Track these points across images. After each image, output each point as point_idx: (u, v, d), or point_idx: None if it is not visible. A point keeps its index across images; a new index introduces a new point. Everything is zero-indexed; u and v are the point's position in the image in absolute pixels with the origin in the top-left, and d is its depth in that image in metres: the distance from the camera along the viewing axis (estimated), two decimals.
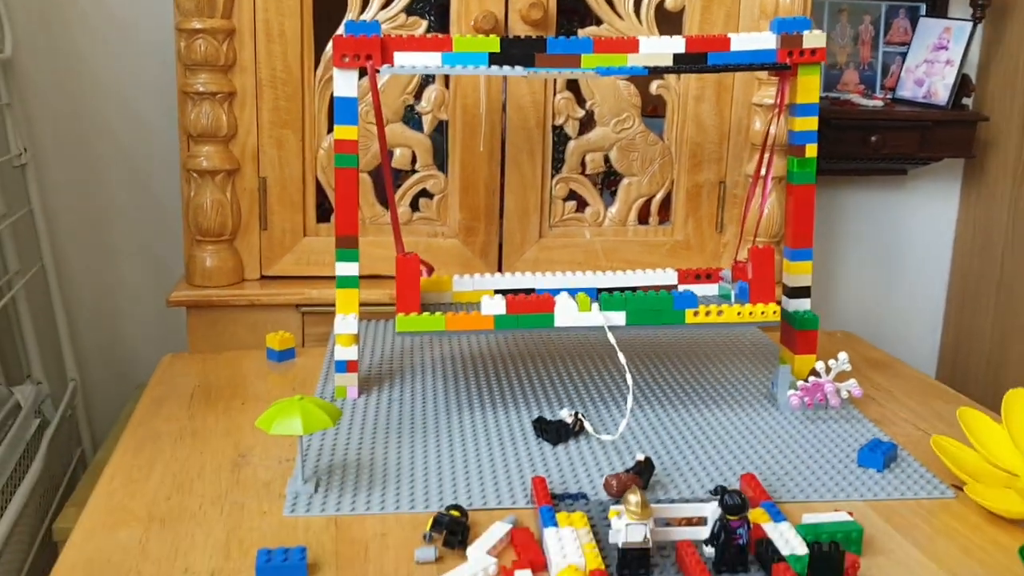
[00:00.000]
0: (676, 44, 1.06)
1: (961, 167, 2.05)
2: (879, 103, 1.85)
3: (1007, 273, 1.92)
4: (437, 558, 0.78)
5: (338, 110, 1.06)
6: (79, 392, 1.77)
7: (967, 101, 1.91)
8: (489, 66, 1.05)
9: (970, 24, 1.82)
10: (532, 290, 1.17)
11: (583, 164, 1.49)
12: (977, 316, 2.01)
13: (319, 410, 0.86)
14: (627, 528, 0.75)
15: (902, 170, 2.00)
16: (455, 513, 0.81)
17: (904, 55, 1.91)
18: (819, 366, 1.07)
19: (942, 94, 1.83)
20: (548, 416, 1.05)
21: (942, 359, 2.14)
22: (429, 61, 1.06)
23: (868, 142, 1.79)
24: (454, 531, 0.79)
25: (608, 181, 1.59)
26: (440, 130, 1.47)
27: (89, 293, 1.83)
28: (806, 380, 1.08)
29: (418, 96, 1.45)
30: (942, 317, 2.12)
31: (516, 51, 1.05)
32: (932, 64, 1.86)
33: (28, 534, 1.43)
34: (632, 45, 1.06)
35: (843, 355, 1.06)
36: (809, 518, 0.80)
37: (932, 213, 2.06)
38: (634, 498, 0.76)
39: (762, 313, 1.06)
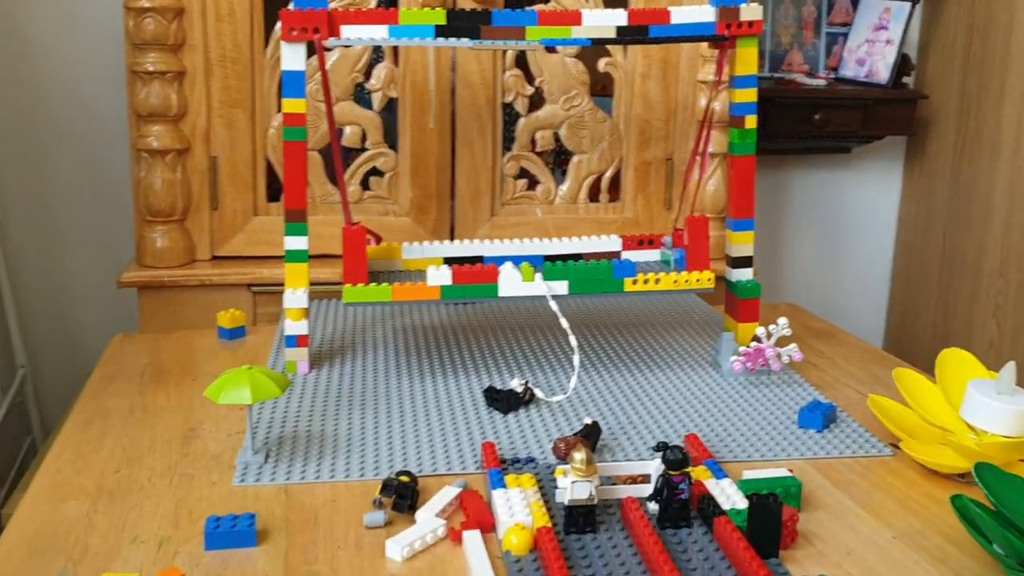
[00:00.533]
0: (618, 16, 1.08)
1: (903, 145, 2.10)
2: (822, 82, 1.88)
3: (949, 247, 1.98)
4: (387, 522, 0.79)
5: (286, 83, 1.07)
6: (28, 379, 1.75)
7: (907, 80, 1.96)
8: (435, 38, 1.06)
9: (909, 4, 1.86)
10: (480, 259, 1.18)
11: (533, 142, 1.51)
12: (922, 290, 2.07)
13: (268, 379, 0.87)
14: (573, 486, 0.77)
15: (846, 148, 2.05)
16: (404, 479, 0.82)
17: (846, 35, 1.95)
18: (760, 332, 1.10)
19: (883, 73, 1.87)
20: (498, 385, 1.07)
21: (888, 333, 2.19)
22: (376, 33, 1.06)
23: (812, 120, 1.83)
24: (403, 495, 0.80)
25: (558, 159, 1.61)
26: (390, 108, 1.47)
27: (38, 278, 1.81)
28: (748, 346, 1.10)
29: (368, 74, 1.45)
30: (888, 292, 2.17)
31: (461, 23, 1.06)
32: (873, 44, 1.90)
33: None
34: (575, 17, 1.07)
35: (783, 320, 1.08)
36: (750, 474, 0.83)
37: (876, 190, 2.11)
38: (579, 455, 0.77)
39: (697, 280, 1.08)
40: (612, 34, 1.09)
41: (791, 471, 0.84)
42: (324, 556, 0.74)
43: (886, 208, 2.13)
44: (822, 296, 2.12)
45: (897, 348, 2.14)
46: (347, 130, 1.46)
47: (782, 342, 1.10)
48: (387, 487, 0.80)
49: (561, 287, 1.06)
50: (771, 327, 1.09)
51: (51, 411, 1.84)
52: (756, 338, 1.10)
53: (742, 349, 1.10)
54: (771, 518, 0.74)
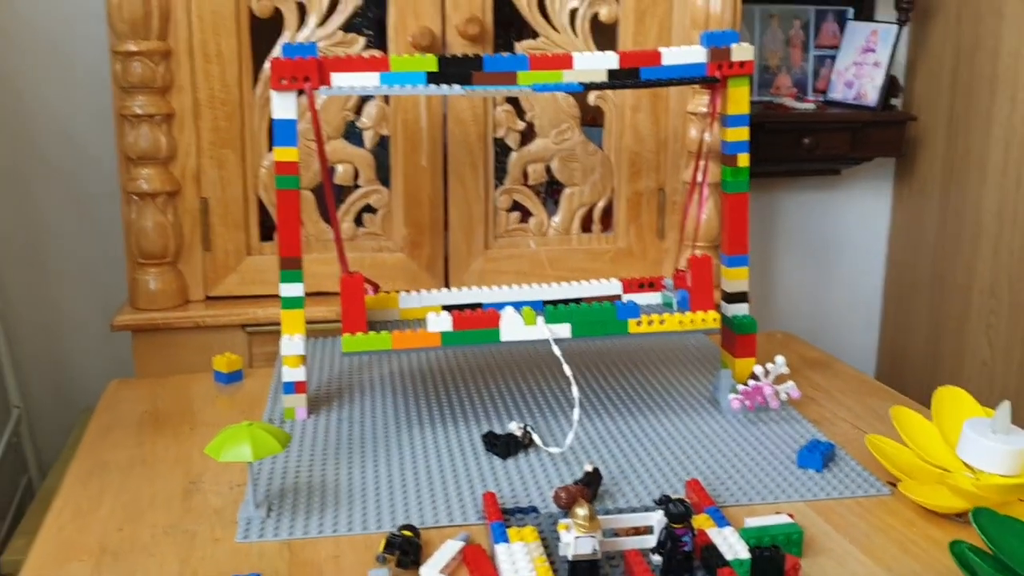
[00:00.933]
0: (610, 60, 1.09)
1: (892, 166, 2.11)
2: (811, 106, 1.90)
3: (939, 267, 1.99)
4: None
5: (277, 132, 1.07)
6: (24, 419, 1.75)
7: (896, 102, 1.97)
8: (427, 85, 1.06)
9: (895, 27, 1.88)
10: (479, 305, 1.18)
11: (525, 175, 1.51)
12: (913, 311, 2.08)
13: (268, 435, 0.87)
14: (576, 541, 0.77)
15: (835, 170, 2.06)
16: (407, 533, 0.82)
17: (834, 58, 1.97)
18: (757, 370, 1.10)
19: (871, 95, 1.89)
20: (497, 430, 1.07)
21: (881, 354, 2.20)
22: (367, 81, 1.06)
23: (801, 144, 1.84)
24: (407, 551, 0.80)
25: (551, 191, 1.61)
26: (382, 145, 1.48)
27: (32, 319, 1.80)
28: (746, 384, 1.11)
29: (359, 112, 1.45)
30: (879, 313, 2.18)
31: (453, 70, 1.06)
32: (861, 66, 1.91)
33: None
34: (566, 61, 1.08)
35: (780, 359, 1.09)
36: (751, 522, 0.83)
37: (866, 212, 2.12)
38: (582, 511, 0.77)
39: (703, 320, 1.09)
40: (603, 77, 1.09)
41: (792, 516, 0.85)
42: None
43: (876, 229, 2.14)
44: (814, 317, 2.13)
45: (889, 370, 2.15)
46: (339, 168, 1.46)
47: (780, 379, 1.10)
48: (391, 545, 0.80)
49: (564, 330, 1.06)
50: (768, 365, 1.09)
51: (47, 451, 1.84)
52: (754, 375, 1.11)
53: (740, 388, 1.11)
54: (774, 572, 0.74)
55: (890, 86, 1.90)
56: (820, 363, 1.32)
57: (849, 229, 2.12)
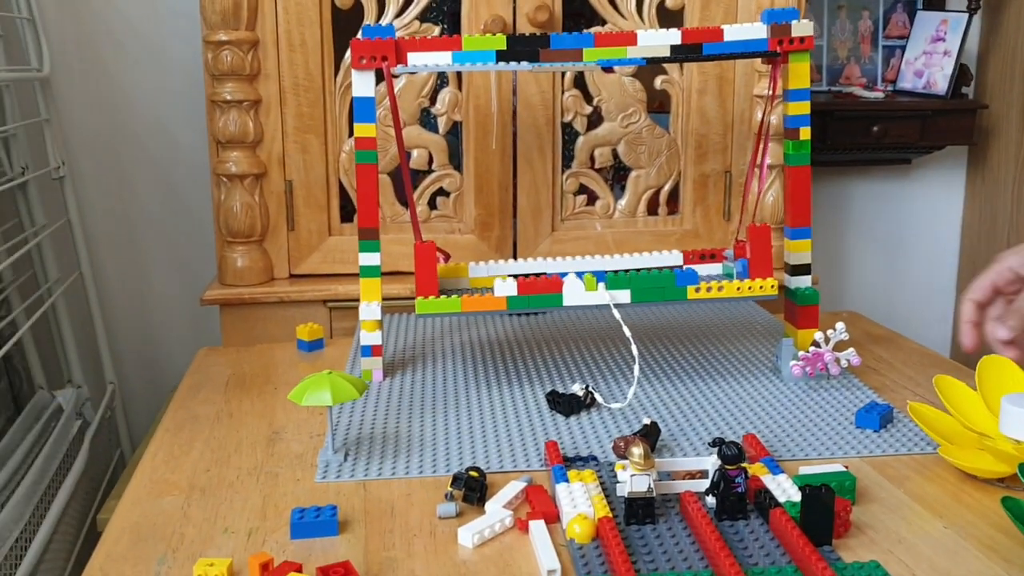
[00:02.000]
0: (672, 36, 1.13)
1: (965, 155, 2.09)
2: (880, 95, 1.90)
3: None
4: (458, 513, 0.84)
5: (357, 109, 1.13)
6: (117, 395, 1.85)
7: (966, 90, 1.96)
8: (496, 62, 1.12)
9: (966, 16, 1.87)
10: (543, 274, 1.23)
11: (592, 159, 1.55)
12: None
13: (346, 383, 0.93)
14: (632, 479, 0.81)
15: (906, 159, 2.05)
16: (474, 474, 0.87)
17: (903, 48, 1.97)
18: (818, 336, 1.12)
19: (941, 84, 1.88)
20: (561, 391, 1.11)
21: (955, 347, 2.18)
22: (440, 60, 1.12)
23: (870, 132, 1.84)
24: (473, 487, 0.85)
25: (617, 175, 1.66)
26: (455, 131, 1.54)
27: (125, 298, 1.91)
28: (807, 351, 1.13)
29: (433, 99, 1.52)
30: (953, 302, 2.16)
31: (521, 47, 1.12)
32: (931, 56, 1.91)
33: (74, 527, 1.51)
34: (631, 39, 1.12)
35: (840, 325, 1.11)
36: (806, 470, 0.86)
37: (938, 202, 2.11)
38: (637, 450, 0.81)
39: (760, 288, 1.11)
40: (666, 53, 1.13)
41: (846, 467, 0.87)
42: (401, 543, 0.80)
43: (949, 218, 2.13)
44: (886, 307, 2.12)
45: (963, 361, 2.12)
46: (415, 153, 1.53)
47: (840, 347, 1.12)
48: (457, 480, 0.85)
49: (624, 296, 1.10)
50: (829, 332, 1.11)
51: (137, 426, 1.94)
52: (815, 343, 1.13)
53: (801, 354, 1.13)
54: (823, 508, 0.77)
55: (960, 75, 1.90)
56: (884, 338, 1.33)
57: (921, 220, 2.11)
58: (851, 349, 1.11)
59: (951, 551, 0.77)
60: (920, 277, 2.15)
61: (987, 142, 2.02)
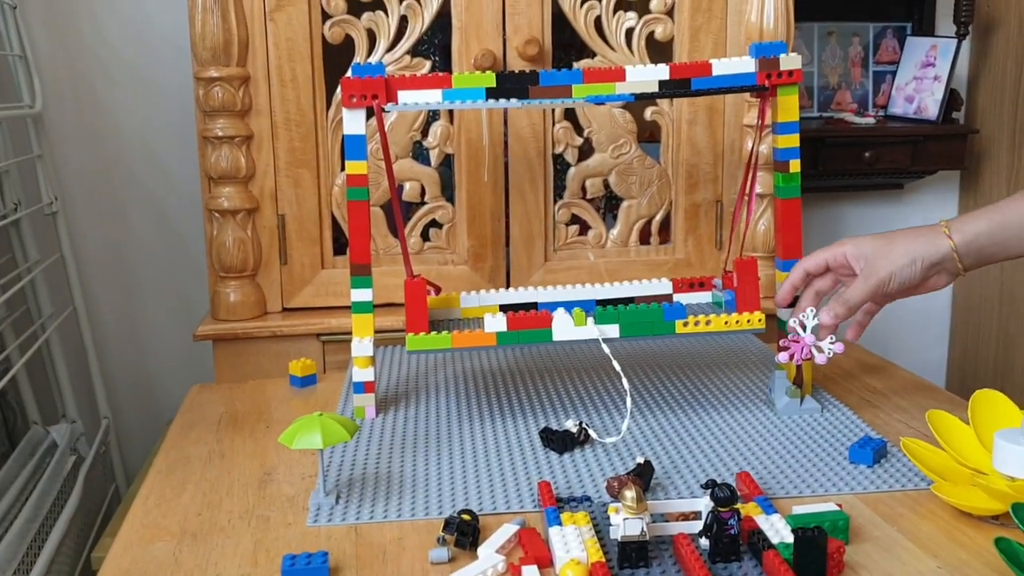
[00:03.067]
0: (661, 72, 1.13)
1: (957, 179, 2.10)
2: (871, 120, 1.91)
3: (1007, 279, 1.97)
4: (450, 558, 0.84)
5: (348, 147, 1.14)
6: (112, 430, 1.85)
7: (957, 115, 1.97)
8: (487, 100, 1.12)
9: (955, 41, 1.88)
10: (535, 305, 1.23)
11: (584, 189, 1.56)
12: (982, 324, 2.05)
13: (337, 425, 0.93)
14: (625, 523, 0.81)
15: (898, 184, 2.06)
16: (466, 517, 0.87)
17: (894, 73, 1.98)
18: (793, 323, 1.09)
19: (932, 109, 1.89)
20: (554, 426, 1.11)
21: (950, 370, 2.18)
22: (431, 98, 1.13)
23: (862, 158, 1.85)
24: (465, 532, 0.85)
25: (609, 205, 1.66)
26: (447, 163, 1.54)
27: (119, 333, 1.91)
28: (787, 336, 1.11)
29: (425, 133, 1.52)
30: (948, 327, 2.16)
31: (511, 85, 1.12)
32: (921, 81, 1.92)
33: (68, 564, 1.50)
34: (619, 74, 1.13)
35: (810, 309, 1.08)
36: (799, 509, 0.85)
37: (932, 216, 2.10)
38: (630, 493, 0.81)
39: (748, 321, 1.11)
40: (655, 88, 1.14)
41: (839, 506, 0.87)
42: None
43: None
44: (881, 331, 2.11)
45: (959, 384, 2.12)
46: (407, 186, 1.53)
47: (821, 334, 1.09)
48: (449, 525, 0.85)
49: (613, 331, 1.10)
50: (800, 316, 1.09)
51: (132, 460, 1.93)
52: (791, 330, 1.11)
53: (781, 342, 1.12)
54: (816, 550, 0.76)
55: (951, 100, 1.91)
56: (878, 368, 1.33)
57: None
58: (832, 335, 1.10)
59: None
60: (915, 301, 2.14)
61: (979, 166, 2.03)
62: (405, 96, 1.13)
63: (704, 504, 0.85)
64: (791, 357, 1.12)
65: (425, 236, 1.56)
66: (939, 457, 0.95)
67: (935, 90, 1.89)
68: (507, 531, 0.86)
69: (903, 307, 2.13)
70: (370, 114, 1.15)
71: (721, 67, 1.14)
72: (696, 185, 1.56)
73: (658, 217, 1.58)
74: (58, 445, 1.66)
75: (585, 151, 1.56)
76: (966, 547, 0.84)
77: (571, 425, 1.09)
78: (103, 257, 1.88)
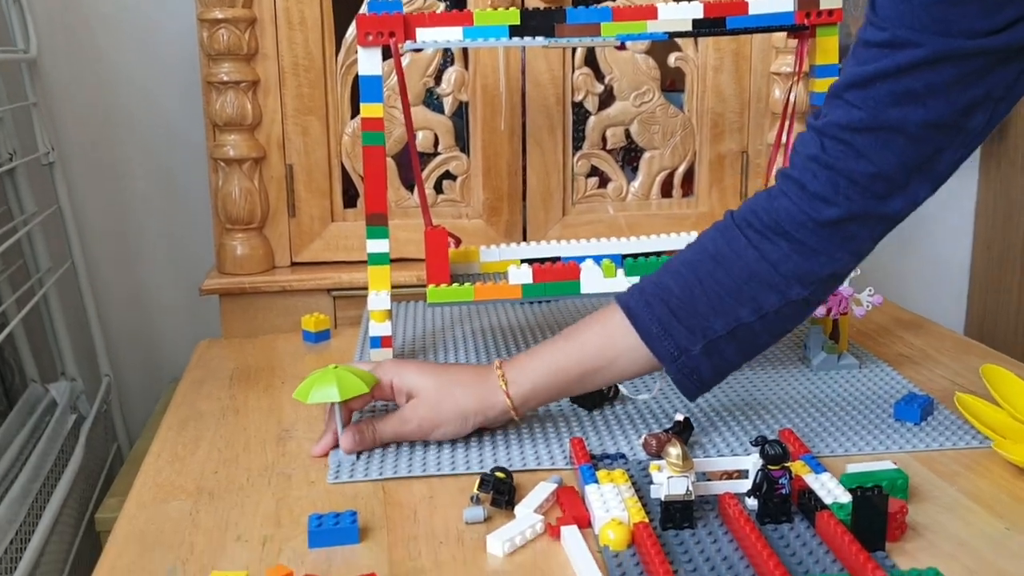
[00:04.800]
0: (695, 9, 1.07)
1: None
2: None
3: None
4: (486, 518, 0.79)
5: (363, 88, 1.08)
6: (113, 388, 1.79)
7: None
8: (510, 38, 1.06)
9: None
10: (557, 258, 1.18)
11: (604, 139, 1.50)
12: (1003, 285, 2.01)
13: (354, 376, 0.88)
14: (669, 481, 0.76)
15: None
16: (500, 475, 0.82)
17: None
18: None
19: None
20: None
21: (968, 330, 2.14)
22: (451, 35, 1.07)
23: None
24: (501, 490, 0.80)
25: (629, 158, 1.60)
26: (461, 112, 1.48)
27: (119, 288, 1.85)
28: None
29: (438, 79, 1.46)
30: (967, 287, 2.12)
31: (536, 22, 1.06)
32: None
33: (71, 525, 1.45)
34: (651, 12, 1.07)
35: None
36: (853, 467, 0.81)
37: (952, 181, 2.05)
38: (675, 451, 0.76)
39: None
40: (688, 27, 1.08)
41: (895, 463, 0.82)
42: (427, 551, 0.75)
43: (963, 199, 2.08)
44: (899, 291, 2.07)
45: (979, 340, 2.08)
46: (419, 135, 1.47)
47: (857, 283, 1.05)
48: (485, 483, 0.80)
49: None
50: None
51: (134, 419, 1.88)
52: None
53: None
54: (876, 511, 0.72)
55: None
56: (913, 324, 1.29)
57: (934, 199, 2.05)
58: (869, 287, 1.06)
59: (1017, 555, 0.72)
60: (933, 260, 2.10)
61: (1004, 121, 1.97)
62: (424, 34, 1.07)
63: (752, 462, 0.80)
64: (828, 311, 1.08)
65: (438, 188, 1.50)
66: (996, 414, 0.91)
67: None
68: (544, 489, 0.82)
69: (919, 268, 2.09)
70: (386, 55, 1.09)
71: (758, 5, 1.08)
72: (721, 135, 1.50)
73: (681, 169, 1.52)
74: (58, 403, 1.60)
75: (605, 99, 1.49)
76: None
77: None
78: (103, 209, 1.81)
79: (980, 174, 2.06)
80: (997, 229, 2.01)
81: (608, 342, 0.90)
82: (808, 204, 0.85)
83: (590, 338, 0.91)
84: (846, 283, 1.06)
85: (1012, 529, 0.76)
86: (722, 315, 0.86)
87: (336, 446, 0.92)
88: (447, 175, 1.49)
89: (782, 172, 0.88)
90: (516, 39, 1.07)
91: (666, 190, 1.53)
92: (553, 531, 0.76)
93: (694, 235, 1.20)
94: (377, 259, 1.13)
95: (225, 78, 1.38)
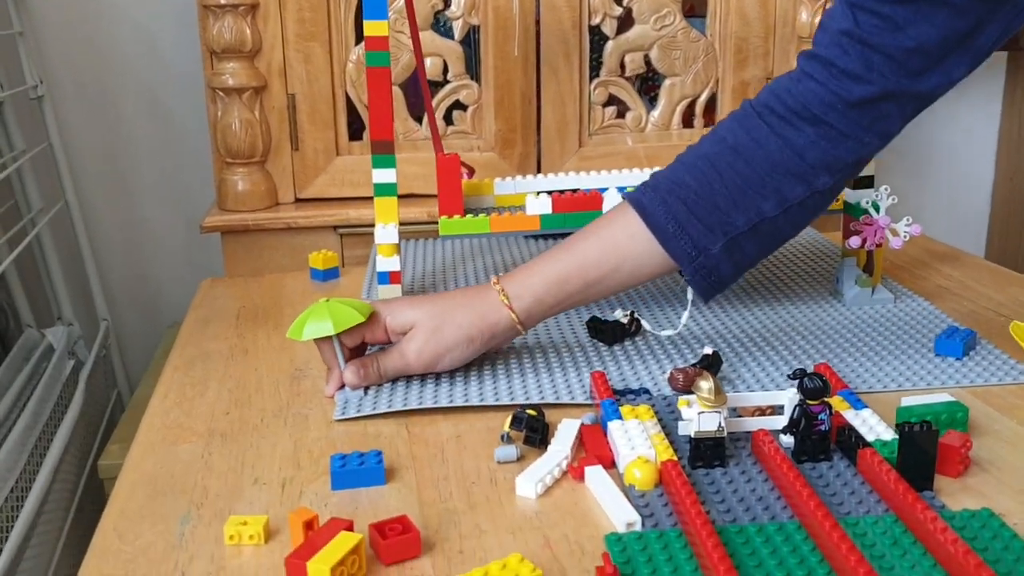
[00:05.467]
0: None
1: (1004, 62, 1.98)
2: None
3: None
4: (519, 456, 0.74)
5: (367, 5, 1.01)
6: (111, 332, 1.74)
7: None
8: None
9: None
10: (576, 190, 1.13)
11: (623, 66, 1.43)
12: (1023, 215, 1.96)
13: (348, 308, 0.83)
14: (700, 417, 0.71)
15: None
16: (532, 412, 0.77)
17: None
18: (865, 204, 1.02)
19: None
20: (601, 317, 1.01)
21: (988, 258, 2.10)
22: None
23: None
24: (535, 428, 0.75)
25: (648, 87, 1.53)
26: (471, 37, 1.41)
27: (115, 229, 1.79)
28: (858, 219, 1.03)
29: (447, 2, 1.39)
30: (987, 223, 2.07)
31: None
32: None
33: (73, 473, 1.41)
34: None
35: (884, 187, 1.01)
36: (908, 400, 0.76)
37: (974, 112, 2.00)
38: (706, 384, 0.71)
39: None
40: None
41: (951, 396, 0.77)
42: (458, 493, 0.70)
43: (985, 131, 2.02)
44: (918, 220, 2.03)
45: None
46: (428, 62, 1.40)
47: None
48: (517, 420, 0.76)
49: None
50: (875, 195, 1.01)
51: (134, 364, 1.84)
52: (865, 212, 1.03)
53: (853, 225, 1.03)
54: (923, 449, 0.67)
55: None
56: (949, 256, 1.24)
57: (955, 131, 2.00)
58: (908, 217, 1.01)
59: None
60: (953, 194, 2.04)
61: None
62: None
63: (788, 397, 0.75)
64: (863, 242, 1.03)
65: (448, 119, 1.43)
66: None
67: None
68: (571, 426, 0.77)
69: (938, 203, 2.03)
70: None
71: None
72: (745, 61, 1.43)
73: (703, 97, 1.46)
74: (55, 349, 1.55)
75: (624, 23, 1.42)
76: None
77: (620, 315, 0.99)
78: (95, 145, 1.74)
79: (1003, 101, 2.00)
80: (1020, 161, 1.96)
81: (612, 246, 0.85)
82: (837, 83, 0.79)
83: (592, 244, 0.86)
84: (882, 211, 1.00)
85: None
86: (744, 210, 0.81)
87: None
88: (457, 105, 1.43)
89: (805, 53, 0.82)
90: None
91: (687, 119, 1.47)
92: (575, 472, 0.72)
93: None
94: (384, 190, 1.07)
95: (222, 1, 1.30)
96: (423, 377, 0.89)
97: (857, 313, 1.04)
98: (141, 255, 1.81)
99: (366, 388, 0.86)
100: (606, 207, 1.03)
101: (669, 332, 0.99)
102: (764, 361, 0.92)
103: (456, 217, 1.03)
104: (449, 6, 1.39)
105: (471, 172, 1.14)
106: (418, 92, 1.22)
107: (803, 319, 1.03)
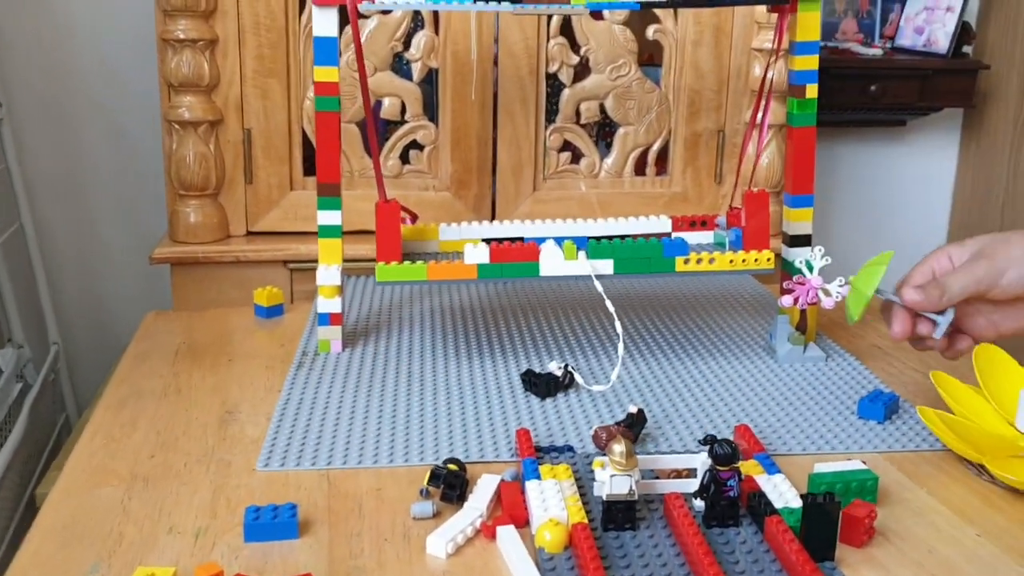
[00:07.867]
0: None
1: (960, 117, 2.01)
2: (878, 52, 1.81)
3: (1007, 225, 1.90)
4: (435, 513, 0.75)
5: (317, 51, 1.02)
6: (62, 356, 1.73)
7: (967, 49, 1.87)
8: (475, 1, 1.01)
9: None
10: (521, 239, 1.13)
11: (578, 113, 1.45)
12: None
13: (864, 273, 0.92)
14: (611, 480, 0.72)
15: (901, 121, 1.97)
16: (453, 467, 0.78)
17: (903, 3, 1.87)
18: (798, 263, 1.02)
19: (942, 42, 1.79)
20: (537, 369, 1.02)
21: None
22: None
23: (867, 92, 1.75)
24: (453, 485, 0.76)
25: (602, 133, 1.55)
26: (430, 79, 1.42)
27: (70, 253, 1.78)
28: (792, 278, 1.03)
29: (407, 44, 1.40)
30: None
31: None
32: (932, 11, 1.81)
33: (12, 499, 1.40)
34: None
35: (819, 248, 1.01)
36: (821, 467, 0.77)
37: (931, 166, 2.03)
38: (618, 448, 0.72)
39: (755, 260, 1.02)
40: None
41: (865, 464, 0.79)
42: (370, 549, 0.70)
43: (941, 184, 2.05)
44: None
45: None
46: (386, 102, 1.41)
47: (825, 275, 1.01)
48: (436, 476, 0.76)
49: (606, 267, 1.01)
50: (809, 256, 1.01)
51: (84, 388, 1.83)
52: (798, 272, 1.03)
53: (786, 284, 1.03)
54: (827, 519, 0.68)
55: (962, 33, 1.81)
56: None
57: (913, 183, 2.03)
58: (840, 277, 1.01)
59: (989, 565, 0.69)
60: (909, 244, 2.06)
61: (985, 105, 1.94)
62: None
63: (700, 461, 0.76)
64: (795, 301, 1.04)
65: (405, 159, 1.44)
66: (969, 428, 0.86)
67: (946, 22, 1.79)
68: (490, 483, 0.77)
69: (895, 249, 2.05)
70: (345, 20, 1.03)
71: None
72: (698, 113, 1.45)
73: (656, 146, 1.48)
74: (3, 371, 1.54)
75: (581, 72, 1.44)
76: (1004, 513, 0.76)
77: (555, 368, 1.00)
78: (52, 169, 1.74)
79: (960, 156, 2.03)
80: (974, 213, 1.99)
81: None
82: None
83: None
84: (815, 271, 1.02)
85: (983, 536, 0.73)
86: None
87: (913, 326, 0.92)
88: (414, 144, 1.44)
89: None
90: (481, 3, 1.01)
91: (640, 168, 1.49)
92: (488, 531, 0.72)
93: (664, 218, 1.15)
94: (328, 231, 1.07)
95: (181, 36, 1.31)
96: (350, 429, 0.89)
97: (788, 371, 1.05)
98: (96, 279, 1.81)
99: (294, 439, 0.87)
100: (542, 259, 1.03)
101: (600, 387, 0.99)
102: (689, 418, 0.93)
103: (393, 263, 1.03)
104: (409, 48, 1.40)
105: (414, 218, 1.14)
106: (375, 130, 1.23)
107: (735, 375, 1.04)
